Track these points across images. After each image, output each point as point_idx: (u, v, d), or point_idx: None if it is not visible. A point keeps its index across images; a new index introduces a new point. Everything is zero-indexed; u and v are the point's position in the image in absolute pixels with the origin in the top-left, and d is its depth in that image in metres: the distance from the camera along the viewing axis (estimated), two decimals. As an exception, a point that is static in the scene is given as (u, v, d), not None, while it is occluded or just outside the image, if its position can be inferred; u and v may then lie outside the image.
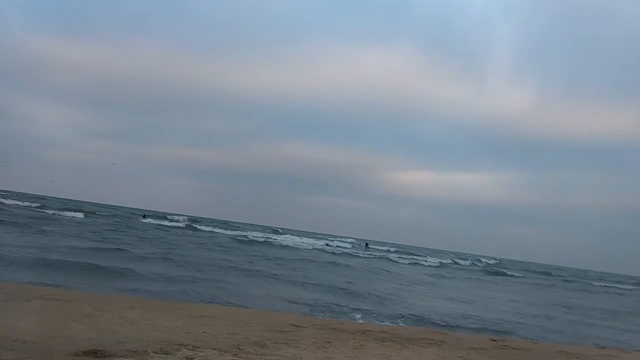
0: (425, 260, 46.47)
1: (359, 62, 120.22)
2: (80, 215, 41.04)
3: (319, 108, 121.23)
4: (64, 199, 71.73)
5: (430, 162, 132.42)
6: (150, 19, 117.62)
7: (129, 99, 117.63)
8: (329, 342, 7.48)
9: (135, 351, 5.57)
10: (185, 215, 58.45)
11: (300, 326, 8.66)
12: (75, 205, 54.21)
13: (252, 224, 74.10)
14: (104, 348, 5.55)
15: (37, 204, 46.12)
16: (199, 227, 48.66)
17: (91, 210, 51.20)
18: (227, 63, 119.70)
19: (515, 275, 44.32)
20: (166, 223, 47.22)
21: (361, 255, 41.80)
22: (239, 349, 6.29)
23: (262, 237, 44.05)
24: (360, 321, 11.19)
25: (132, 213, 60.30)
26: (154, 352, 5.57)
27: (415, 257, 49.90)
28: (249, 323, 8.39)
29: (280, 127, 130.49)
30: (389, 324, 11.19)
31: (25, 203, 45.63)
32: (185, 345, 6.13)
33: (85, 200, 75.68)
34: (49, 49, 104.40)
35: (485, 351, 8.43)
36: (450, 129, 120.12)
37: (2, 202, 42.57)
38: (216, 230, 47.33)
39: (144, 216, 53.15)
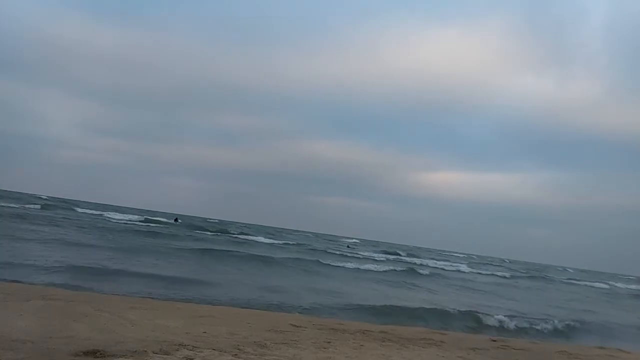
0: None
1: (418, 47, 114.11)
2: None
3: (357, 102, 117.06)
4: (71, 200, 70.88)
5: (470, 162, 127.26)
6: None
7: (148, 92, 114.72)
8: (329, 342, 7.48)
9: (135, 351, 5.57)
10: (209, 219, 57.46)
11: (300, 326, 8.66)
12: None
13: (282, 229, 70.60)
14: (104, 348, 5.55)
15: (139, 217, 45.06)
16: (284, 242, 40.57)
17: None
18: (252, 55, 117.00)
19: None
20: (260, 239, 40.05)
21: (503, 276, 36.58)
22: (239, 349, 6.29)
23: (432, 264, 37.17)
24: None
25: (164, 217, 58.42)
26: (154, 352, 5.58)
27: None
28: (249, 323, 8.39)
29: (315, 123, 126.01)
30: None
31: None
32: (185, 345, 6.13)
33: (102, 203, 74.42)
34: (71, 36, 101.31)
35: (485, 351, 8.43)
36: (499, 125, 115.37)
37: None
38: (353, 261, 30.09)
39: (175, 220, 52.35)
